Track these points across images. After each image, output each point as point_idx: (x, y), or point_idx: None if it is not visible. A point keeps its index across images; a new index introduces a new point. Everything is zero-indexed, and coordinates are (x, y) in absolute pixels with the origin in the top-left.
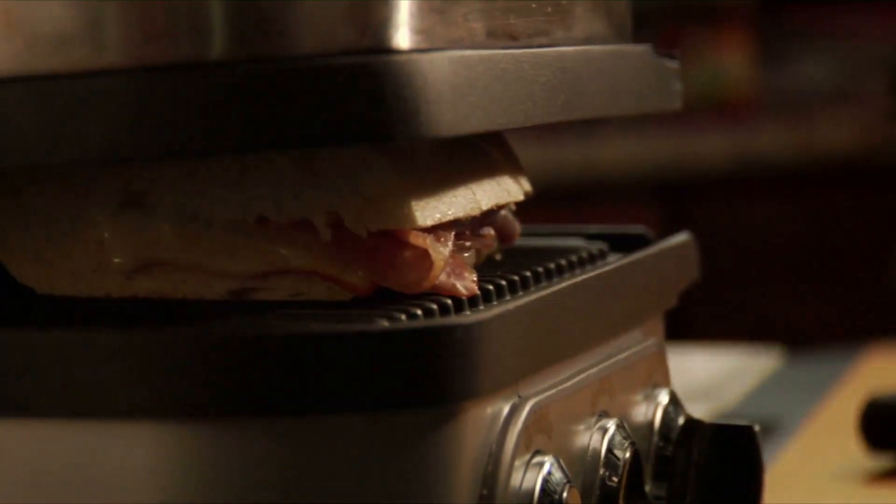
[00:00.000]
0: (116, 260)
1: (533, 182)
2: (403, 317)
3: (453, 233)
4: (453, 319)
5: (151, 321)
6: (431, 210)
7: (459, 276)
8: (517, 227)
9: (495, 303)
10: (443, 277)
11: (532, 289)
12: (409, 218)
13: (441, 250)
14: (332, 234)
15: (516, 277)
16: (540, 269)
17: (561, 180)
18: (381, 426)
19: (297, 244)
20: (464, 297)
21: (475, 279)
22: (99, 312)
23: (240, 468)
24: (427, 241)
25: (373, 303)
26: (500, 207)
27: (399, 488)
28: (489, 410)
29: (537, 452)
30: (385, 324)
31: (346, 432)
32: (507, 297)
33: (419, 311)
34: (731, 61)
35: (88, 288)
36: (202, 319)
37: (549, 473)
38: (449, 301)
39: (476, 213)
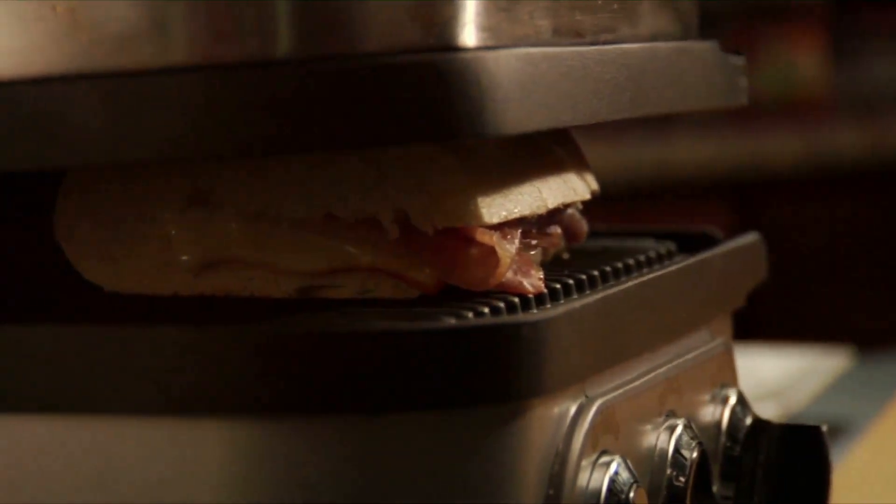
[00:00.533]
0: (183, 258)
1: (604, 183)
2: (470, 314)
3: (520, 231)
4: (520, 317)
5: (221, 318)
6: (498, 207)
7: (526, 274)
8: (584, 225)
9: (562, 301)
10: (509, 275)
11: (599, 287)
12: (476, 215)
13: (507, 248)
14: (399, 232)
15: (584, 276)
16: (607, 268)
17: (632, 181)
18: (449, 424)
19: (364, 241)
20: (530, 295)
21: (542, 277)
22: (166, 310)
23: (307, 466)
24: (493, 239)
25: (439, 301)
26: (567, 206)
27: (466, 487)
28: (556, 410)
29: (604, 452)
30: (452, 321)
31: (414, 430)
32: (575, 296)
33: (486, 309)
34: (804, 61)
35: (155, 286)
36: (271, 317)
37: (616, 473)
38: (516, 299)
39: (542, 211)
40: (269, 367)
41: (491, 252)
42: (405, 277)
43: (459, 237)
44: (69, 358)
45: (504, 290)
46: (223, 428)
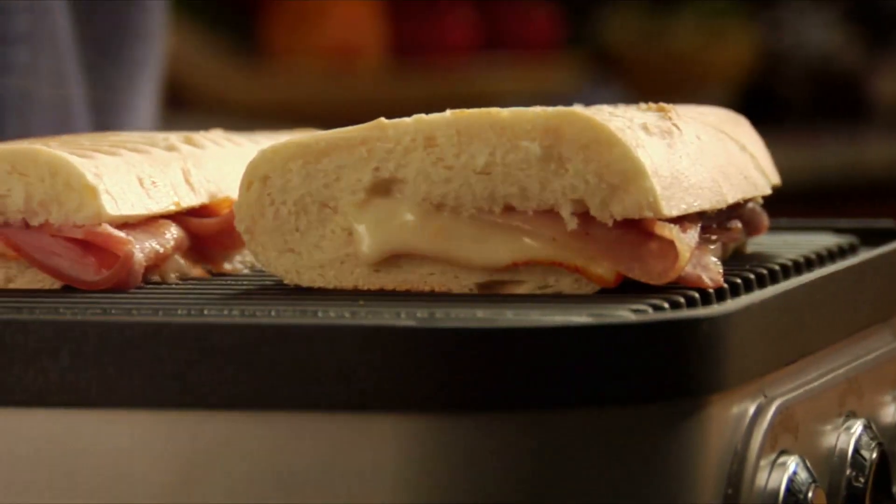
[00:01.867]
0: (364, 250)
1: (789, 179)
2: (650, 310)
3: (699, 224)
4: (700, 312)
5: (397, 314)
6: (678, 200)
7: (705, 268)
8: (765, 219)
9: (742, 296)
10: (689, 268)
11: (779, 282)
12: (655, 208)
13: (687, 241)
14: (578, 224)
15: (764, 271)
16: (788, 263)
17: (819, 178)
18: (628, 420)
19: (543, 234)
20: (710, 289)
21: (721, 271)
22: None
23: (486, 462)
24: (673, 232)
25: (618, 297)
26: (747, 201)
27: (645, 482)
28: (735, 409)
29: (783, 452)
30: (632, 317)
31: (593, 426)
32: (754, 291)
33: (666, 304)
34: None
35: (336, 279)
36: (450, 313)
37: (795, 473)
38: (696, 294)
39: (722, 205)
40: (449, 364)
41: (670, 245)
42: (585, 271)
43: (639, 230)
44: (250, 354)
45: (683, 284)
46: (403, 424)
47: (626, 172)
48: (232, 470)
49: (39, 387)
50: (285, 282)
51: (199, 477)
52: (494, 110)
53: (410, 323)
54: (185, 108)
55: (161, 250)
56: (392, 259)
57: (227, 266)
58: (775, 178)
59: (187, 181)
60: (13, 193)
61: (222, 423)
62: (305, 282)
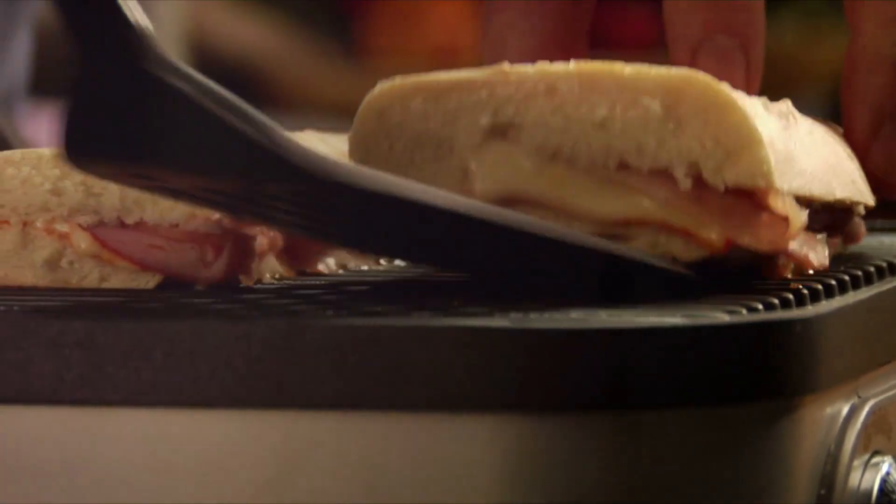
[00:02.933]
0: (479, 191)
1: None
2: (743, 310)
3: (808, 210)
4: (794, 313)
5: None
6: (789, 178)
7: (812, 248)
8: (863, 229)
9: (836, 297)
10: (796, 245)
11: (874, 284)
12: (768, 177)
13: (799, 213)
14: (691, 187)
15: (858, 272)
16: (882, 264)
17: None
18: (720, 420)
19: (656, 194)
20: (814, 269)
21: (827, 254)
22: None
23: (576, 463)
24: (786, 202)
25: (711, 296)
26: (851, 205)
27: (737, 484)
28: (828, 410)
29: (876, 453)
30: (725, 317)
31: (685, 426)
32: (849, 292)
33: (759, 305)
34: None
35: None
36: (541, 311)
37: (888, 474)
38: (789, 295)
39: (830, 198)
40: (542, 364)
41: (782, 217)
42: (694, 235)
43: (751, 197)
44: (343, 355)
45: (791, 258)
46: (496, 425)
47: (742, 139)
48: (323, 470)
49: (132, 387)
50: None
51: (290, 477)
52: (619, 66)
53: (504, 323)
54: (282, 107)
55: (257, 248)
56: (508, 200)
57: (321, 267)
58: (871, 198)
59: None
60: (108, 192)
61: (314, 423)
62: None
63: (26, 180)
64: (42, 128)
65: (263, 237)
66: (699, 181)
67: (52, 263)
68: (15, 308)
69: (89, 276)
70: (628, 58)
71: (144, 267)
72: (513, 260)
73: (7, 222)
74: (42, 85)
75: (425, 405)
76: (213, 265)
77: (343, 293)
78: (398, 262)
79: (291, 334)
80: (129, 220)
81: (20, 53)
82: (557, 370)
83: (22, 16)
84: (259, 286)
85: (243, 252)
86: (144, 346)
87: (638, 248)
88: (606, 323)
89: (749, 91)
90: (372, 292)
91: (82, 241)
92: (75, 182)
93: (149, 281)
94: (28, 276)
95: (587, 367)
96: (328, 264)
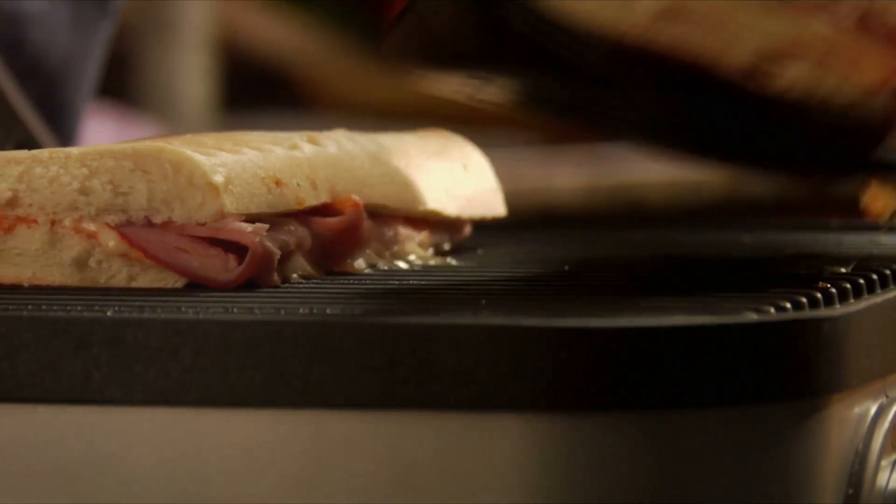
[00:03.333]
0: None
1: None
2: (772, 309)
3: None
4: (822, 312)
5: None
6: None
7: None
8: None
9: (864, 297)
10: None
11: None
12: None
13: None
14: (860, 18)
15: (887, 271)
16: None
17: None
18: (749, 419)
19: (822, 19)
20: None
21: None
22: None
23: (606, 462)
24: None
25: (739, 295)
26: None
27: (766, 482)
28: (856, 409)
29: None
30: (754, 316)
31: (714, 425)
32: (877, 291)
33: (788, 304)
34: None
35: (614, 20)
36: (572, 312)
37: None
38: (818, 294)
39: None
40: (568, 363)
41: None
42: (856, 66)
43: None
44: (372, 353)
45: None
46: (525, 423)
47: None
48: (352, 469)
49: (160, 385)
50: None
51: (319, 476)
52: None
53: (532, 322)
54: (315, 108)
55: (286, 247)
56: (672, 11)
57: (349, 266)
58: None
59: (310, 180)
60: (136, 191)
61: (343, 422)
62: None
63: (54, 179)
64: (100, 127)
65: (291, 237)
66: (864, 18)
67: (81, 263)
68: (43, 307)
69: (117, 275)
70: None
71: (169, 268)
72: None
73: (35, 221)
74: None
75: (453, 404)
76: (234, 271)
77: (371, 292)
78: (427, 262)
79: (320, 333)
80: (157, 220)
81: (93, 64)
82: (585, 369)
83: (101, 28)
84: (287, 285)
85: (264, 259)
86: (173, 345)
87: (791, 79)
88: (633, 322)
89: None
90: (400, 292)
91: (110, 240)
92: (103, 181)
93: (177, 280)
94: (56, 275)
95: (613, 367)
96: (356, 264)
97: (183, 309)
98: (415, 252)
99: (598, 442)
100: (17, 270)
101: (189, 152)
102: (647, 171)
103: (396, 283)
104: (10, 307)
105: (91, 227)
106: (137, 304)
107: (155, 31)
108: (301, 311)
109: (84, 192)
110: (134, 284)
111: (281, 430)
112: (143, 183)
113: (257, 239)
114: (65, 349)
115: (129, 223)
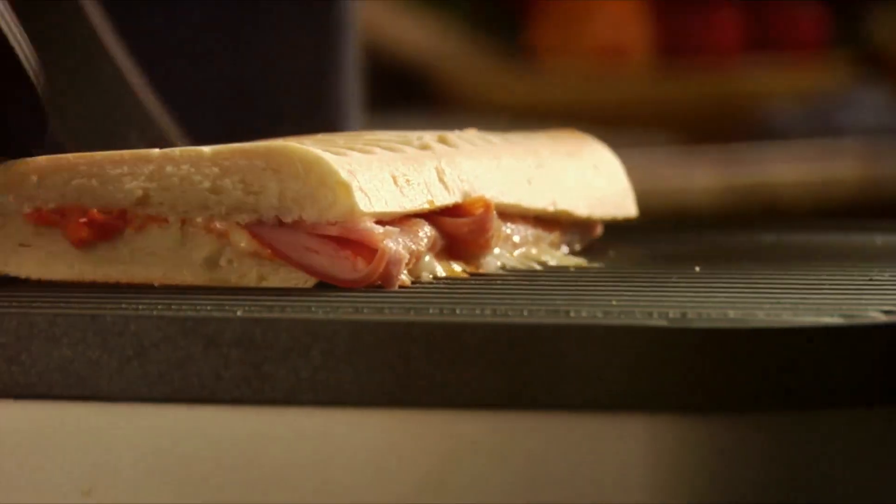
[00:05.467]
0: None
1: None
2: None
3: None
4: None
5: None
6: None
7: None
8: None
9: None
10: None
11: None
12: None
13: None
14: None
15: None
16: None
17: None
18: (876, 420)
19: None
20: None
21: None
22: None
23: (735, 463)
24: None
25: (866, 296)
26: None
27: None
28: None
29: None
30: (882, 317)
31: (842, 426)
32: None
33: None
34: None
35: None
36: (700, 313)
37: None
38: None
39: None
40: (700, 364)
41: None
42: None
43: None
44: (501, 354)
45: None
46: (654, 424)
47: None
48: (481, 469)
49: (291, 385)
50: None
51: (447, 476)
52: None
53: (662, 323)
54: (451, 108)
55: (416, 248)
56: None
57: (480, 266)
58: None
59: (441, 180)
60: (267, 190)
61: (471, 422)
62: None
63: (185, 178)
64: None
65: (421, 238)
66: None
67: (211, 262)
68: (173, 307)
69: (248, 274)
70: (799, 58)
71: (300, 267)
72: None
73: (166, 220)
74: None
75: (583, 404)
76: (362, 271)
77: (501, 293)
78: (558, 262)
79: (450, 334)
80: (287, 219)
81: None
82: (716, 370)
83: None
84: (418, 286)
85: (393, 261)
86: (303, 344)
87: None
88: (763, 323)
89: None
90: (530, 292)
91: (241, 240)
92: (234, 180)
93: (307, 280)
94: (187, 275)
95: (743, 368)
96: (487, 264)
97: (313, 309)
98: (546, 252)
99: (727, 443)
100: (148, 270)
101: (321, 152)
102: (781, 171)
103: (526, 283)
104: (141, 307)
105: (222, 226)
106: (267, 303)
107: None
108: (430, 311)
109: (215, 191)
110: (264, 284)
111: (409, 431)
112: (274, 182)
113: (387, 241)
114: (194, 349)
115: (259, 222)
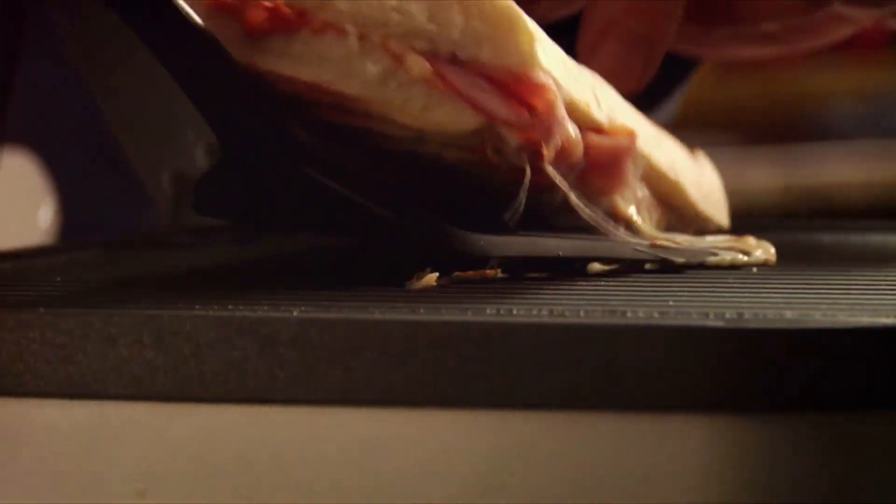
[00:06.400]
0: None
1: None
2: None
3: None
4: None
5: (705, 315)
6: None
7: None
8: None
9: None
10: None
11: None
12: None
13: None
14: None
15: None
16: None
17: None
18: None
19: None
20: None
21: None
22: None
23: (787, 464)
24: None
25: None
26: None
27: None
28: None
29: None
30: None
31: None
32: None
33: None
34: None
35: None
36: (757, 314)
37: None
38: None
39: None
40: (755, 365)
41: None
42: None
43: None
44: (556, 354)
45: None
46: (709, 425)
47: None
48: (535, 470)
49: (345, 385)
50: None
51: (501, 477)
52: None
53: (719, 324)
54: None
55: (573, 134)
56: None
57: (613, 205)
58: None
59: (595, 96)
60: (451, 24)
61: (526, 422)
62: None
63: None
64: None
65: (569, 133)
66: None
67: (383, 80)
68: (230, 307)
69: (413, 101)
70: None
71: (469, 103)
72: None
73: (344, 31)
74: None
75: (637, 405)
76: (530, 118)
77: (555, 292)
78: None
79: (504, 333)
80: (463, 56)
81: None
82: (773, 371)
83: None
84: (481, 285)
85: (557, 120)
86: (357, 344)
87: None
88: (821, 324)
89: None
90: (583, 291)
91: (416, 65)
92: (422, 5)
93: (468, 121)
94: (355, 86)
95: (801, 369)
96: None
97: (370, 309)
98: (648, 231)
99: (782, 444)
100: (319, 71)
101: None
102: (840, 171)
103: (583, 282)
104: (197, 306)
105: (398, 48)
106: (324, 303)
107: None
108: (487, 311)
109: (400, 11)
110: (426, 115)
111: (463, 431)
112: (461, 16)
113: (552, 95)
114: (250, 349)
115: (434, 54)
